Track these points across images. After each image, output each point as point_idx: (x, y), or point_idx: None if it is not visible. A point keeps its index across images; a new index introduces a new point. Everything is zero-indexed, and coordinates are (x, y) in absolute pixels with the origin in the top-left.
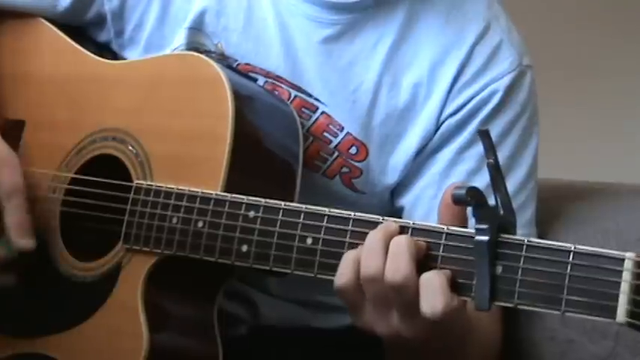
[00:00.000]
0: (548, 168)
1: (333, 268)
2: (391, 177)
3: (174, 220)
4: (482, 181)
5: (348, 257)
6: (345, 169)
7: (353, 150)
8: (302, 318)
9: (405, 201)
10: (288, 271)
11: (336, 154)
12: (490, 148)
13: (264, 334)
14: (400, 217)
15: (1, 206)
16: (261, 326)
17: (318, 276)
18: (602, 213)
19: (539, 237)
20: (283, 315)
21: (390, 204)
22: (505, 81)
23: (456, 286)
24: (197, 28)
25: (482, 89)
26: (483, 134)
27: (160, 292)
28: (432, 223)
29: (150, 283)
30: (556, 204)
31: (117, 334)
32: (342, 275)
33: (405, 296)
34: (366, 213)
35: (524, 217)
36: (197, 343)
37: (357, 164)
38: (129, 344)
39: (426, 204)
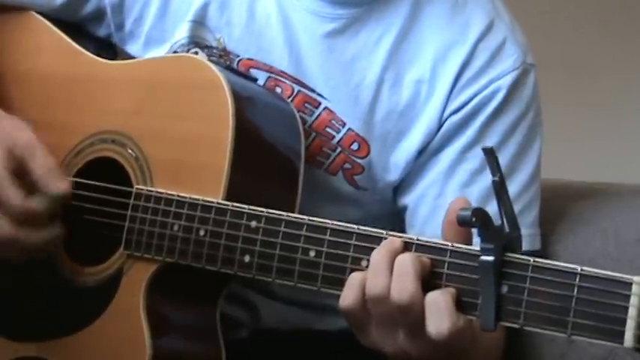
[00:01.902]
0: (548, 168)
1: (336, 283)
2: (393, 174)
3: (176, 228)
4: (486, 181)
5: (354, 278)
6: (347, 165)
7: (355, 146)
8: (303, 321)
9: (409, 200)
10: (291, 283)
11: (339, 149)
12: (495, 166)
13: (266, 337)
14: (403, 216)
15: (25, 163)
16: (263, 329)
17: (322, 290)
18: (602, 213)
19: (542, 238)
20: (284, 318)
21: (392, 202)
22: (508, 79)
23: (461, 305)
24: (200, 21)
25: (485, 87)
26: (488, 152)
27: (162, 298)
28: (436, 221)
29: (152, 289)
30: (556, 204)
31: (119, 340)
32: (347, 297)
33: (411, 315)
34: (369, 211)
35: (529, 218)
36: (200, 347)
37: (358, 160)
38: (132, 350)
39: (429, 203)
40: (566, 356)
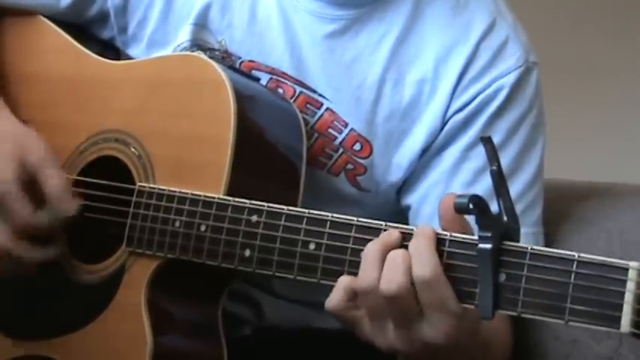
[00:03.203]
0: (552, 168)
1: (336, 274)
2: (396, 175)
3: (177, 224)
4: (489, 180)
5: (340, 281)
6: (349, 166)
7: (357, 146)
8: (306, 318)
9: (412, 200)
10: (291, 276)
11: (341, 150)
12: (493, 155)
13: (269, 334)
14: (407, 216)
15: (37, 178)
16: (266, 327)
17: (322, 282)
18: (606, 213)
19: (545, 236)
20: (287, 315)
21: (395, 203)
22: (511, 78)
23: (459, 294)
24: (201, 24)
25: (488, 86)
26: (485, 141)
27: (164, 294)
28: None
29: (153, 285)
30: (561, 204)
31: (121, 337)
32: (332, 299)
33: (399, 307)
34: (372, 213)
35: (533, 216)
36: (201, 345)
37: (361, 161)
38: (133, 347)
39: (433, 202)
40: (571, 356)
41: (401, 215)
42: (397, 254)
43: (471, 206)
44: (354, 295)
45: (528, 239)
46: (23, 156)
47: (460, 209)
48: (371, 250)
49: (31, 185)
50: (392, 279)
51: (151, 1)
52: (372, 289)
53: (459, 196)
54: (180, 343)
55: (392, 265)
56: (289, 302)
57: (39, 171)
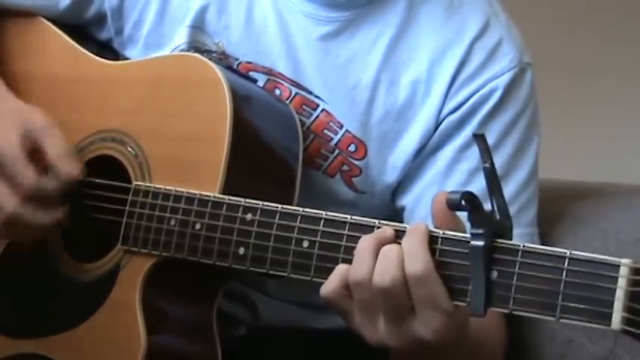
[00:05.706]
0: (548, 168)
1: (329, 272)
2: (391, 176)
3: (172, 222)
4: (483, 180)
5: (338, 267)
6: (345, 167)
7: (352, 148)
8: (301, 318)
9: (407, 201)
10: (285, 274)
11: (337, 151)
12: (486, 152)
13: (264, 334)
14: (401, 218)
15: (40, 145)
16: (261, 326)
17: (314, 279)
18: (601, 213)
19: (540, 237)
20: (282, 315)
21: (391, 205)
22: (505, 78)
23: (451, 291)
24: (198, 26)
25: (481, 86)
26: (478, 138)
27: (159, 293)
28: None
29: (148, 284)
30: (556, 204)
31: (115, 335)
32: (327, 285)
33: (392, 301)
34: (367, 215)
35: (527, 217)
36: (196, 344)
37: (356, 162)
38: (127, 345)
39: (427, 203)
40: (566, 356)
41: (396, 218)
42: (391, 249)
43: (463, 202)
44: (348, 285)
45: (523, 240)
46: (26, 124)
47: (452, 205)
48: (364, 244)
49: (36, 152)
50: (385, 272)
51: (146, 3)
52: (365, 281)
53: (452, 192)
54: (174, 342)
55: (385, 258)
56: (284, 302)
57: (40, 136)
